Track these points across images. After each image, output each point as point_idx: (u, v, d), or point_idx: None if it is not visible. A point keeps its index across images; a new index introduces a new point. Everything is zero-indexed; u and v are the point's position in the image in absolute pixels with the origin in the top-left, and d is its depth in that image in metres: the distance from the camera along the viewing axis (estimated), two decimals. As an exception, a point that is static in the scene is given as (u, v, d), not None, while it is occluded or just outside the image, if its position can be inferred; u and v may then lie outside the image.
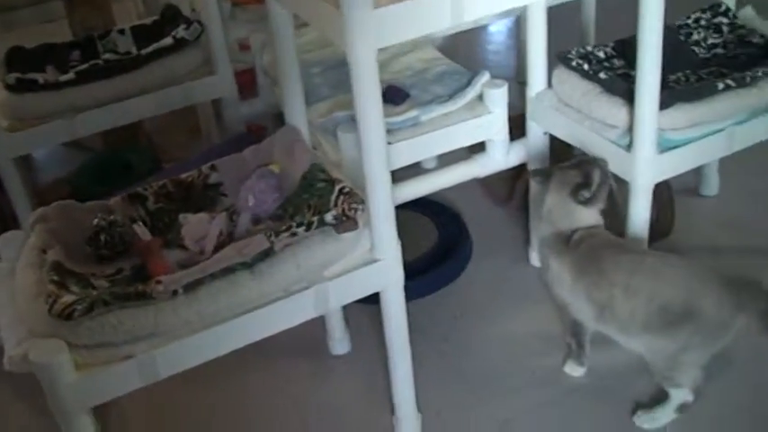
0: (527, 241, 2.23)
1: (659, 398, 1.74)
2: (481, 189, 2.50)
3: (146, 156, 2.66)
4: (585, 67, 1.91)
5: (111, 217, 1.58)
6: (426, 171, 2.15)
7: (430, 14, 1.37)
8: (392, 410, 1.80)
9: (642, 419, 1.74)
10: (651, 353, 1.67)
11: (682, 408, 1.70)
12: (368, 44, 1.34)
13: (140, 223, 1.61)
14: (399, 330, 1.66)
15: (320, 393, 1.95)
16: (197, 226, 1.58)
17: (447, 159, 2.08)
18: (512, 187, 2.38)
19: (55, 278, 1.42)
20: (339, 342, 2.04)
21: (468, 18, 1.39)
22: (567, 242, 1.73)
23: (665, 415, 1.72)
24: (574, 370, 1.87)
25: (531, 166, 2.07)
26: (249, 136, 2.24)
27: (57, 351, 1.33)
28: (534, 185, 1.83)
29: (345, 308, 2.01)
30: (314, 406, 1.91)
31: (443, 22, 1.38)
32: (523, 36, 2.88)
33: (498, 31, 3.66)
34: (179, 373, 1.44)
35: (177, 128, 2.94)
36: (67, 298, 1.36)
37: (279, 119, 2.55)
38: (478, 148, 2.02)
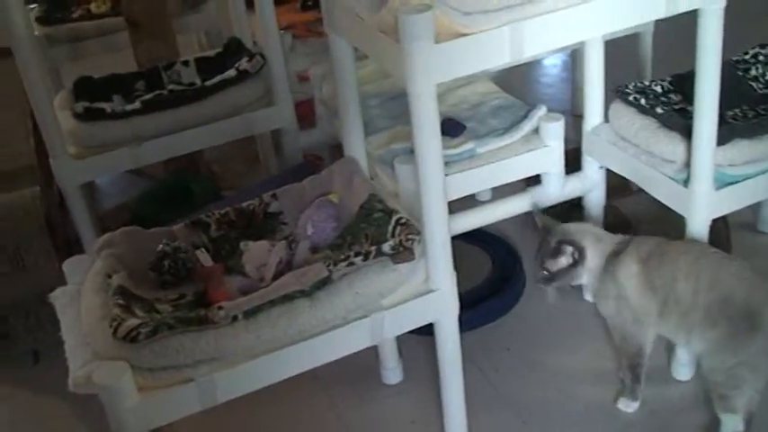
0: (581, 275, 2.23)
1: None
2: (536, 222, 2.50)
3: (206, 184, 2.72)
4: (643, 101, 1.92)
5: (175, 243, 1.62)
6: (481, 203, 2.17)
7: (489, 51, 1.40)
8: (443, 439, 1.81)
9: None
10: (711, 357, 1.65)
11: None
12: (427, 78, 1.37)
13: (203, 250, 1.65)
14: (453, 361, 1.68)
15: (372, 421, 1.96)
16: (258, 253, 1.61)
17: (502, 192, 2.10)
18: (565, 221, 2.37)
19: (120, 302, 1.46)
20: (392, 371, 2.05)
21: (527, 54, 1.41)
22: (618, 253, 1.74)
23: None
24: (627, 406, 1.85)
25: (586, 201, 2.08)
26: (307, 166, 2.28)
27: (120, 373, 1.37)
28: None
29: (399, 337, 2.02)
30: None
31: (502, 58, 1.41)
32: (579, 70, 2.92)
33: (553, 64, 3.67)
34: None
35: (236, 157, 3.00)
36: (132, 321, 1.40)
37: (335, 149, 2.59)
38: (534, 181, 2.04)
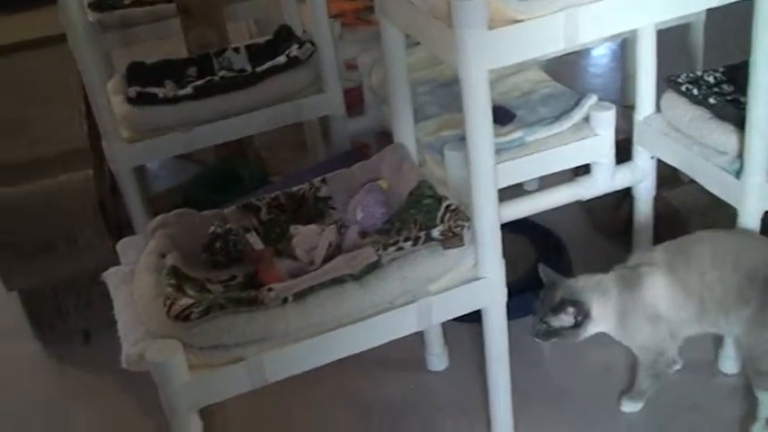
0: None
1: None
2: (583, 213, 2.49)
3: (254, 170, 2.75)
4: (695, 91, 1.90)
5: (227, 225, 1.64)
6: (528, 193, 2.16)
7: (543, 37, 1.39)
8: (488, 428, 1.81)
9: None
10: (748, 335, 1.66)
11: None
12: (480, 65, 1.37)
13: (253, 233, 1.67)
14: (500, 348, 1.68)
15: (416, 407, 1.97)
16: (308, 237, 1.63)
17: (549, 182, 2.09)
18: (615, 211, 2.36)
19: (173, 282, 1.49)
20: (437, 357, 2.06)
21: (582, 41, 1.41)
22: (631, 284, 1.72)
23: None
24: (634, 406, 1.87)
25: (636, 191, 2.07)
26: (355, 153, 2.29)
27: (172, 351, 1.40)
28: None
29: (444, 324, 2.03)
30: (410, 418, 1.94)
31: (556, 45, 1.40)
32: (628, 60, 2.90)
33: (602, 54, 3.64)
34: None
35: (284, 144, 3.02)
36: (185, 301, 1.43)
37: (382, 136, 2.61)
38: (583, 171, 2.02)
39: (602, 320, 1.71)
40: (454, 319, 1.98)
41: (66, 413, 2.10)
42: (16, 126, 2.51)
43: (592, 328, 1.71)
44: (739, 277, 1.64)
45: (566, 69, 3.24)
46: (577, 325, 1.68)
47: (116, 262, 1.72)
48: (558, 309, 1.67)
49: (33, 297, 2.23)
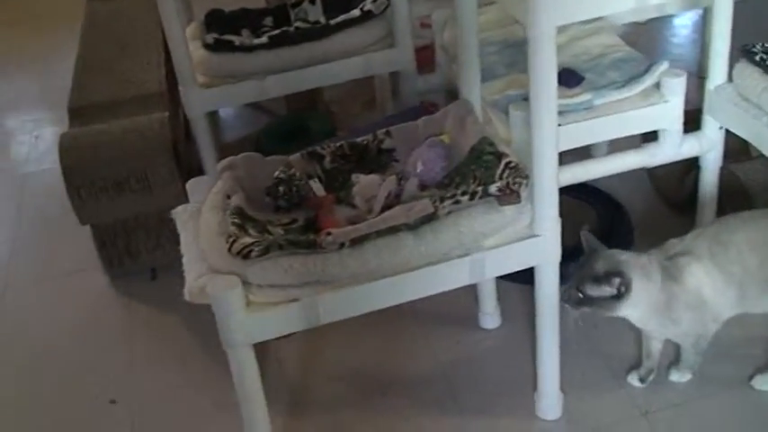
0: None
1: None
2: (649, 182, 2.47)
3: (324, 122, 2.79)
4: (770, 62, 1.86)
5: (291, 171, 1.69)
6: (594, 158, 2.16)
7: (613, -5, 1.39)
8: (535, 387, 1.84)
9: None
10: None
11: None
12: (548, 20, 1.37)
13: (316, 179, 1.71)
14: (551, 307, 1.69)
15: (467, 362, 2.01)
16: (368, 186, 1.66)
17: (617, 150, 2.08)
18: (680, 182, 2.33)
19: (236, 221, 1.54)
20: (490, 316, 2.09)
21: (653, 1, 1.39)
22: (672, 273, 1.69)
23: None
24: (683, 376, 1.86)
25: (702, 162, 2.05)
26: (422, 110, 2.30)
27: (232, 286, 1.45)
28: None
29: (500, 285, 2.06)
30: (460, 373, 1.97)
31: (626, 3, 1.40)
32: (709, 30, 2.83)
33: (683, 24, 3.56)
34: (333, 324, 1.53)
35: (353, 98, 3.06)
36: (246, 239, 1.48)
37: (451, 95, 2.62)
38: (650, 138, 2.01)
39: (638, 303, 1.66)
40: (509, 280, 2.02)
41: (130, 346, 2.19)
42: (98, 68, 2.60)
43: (624, 308, 1.66)
44: None
45: (645, 36, 3.20)
46: (616, 297, 1.64)
47: (186, 203, 1.78)
48: (602, 279, 1.63)
49: (105, 233, 2.32)
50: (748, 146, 2.20)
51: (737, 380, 1.85)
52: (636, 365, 1.88)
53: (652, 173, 2.43)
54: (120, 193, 2.19)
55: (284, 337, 1.68)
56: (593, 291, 1.65)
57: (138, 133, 2.19)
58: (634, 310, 1.69)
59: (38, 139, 3.33)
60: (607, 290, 1.64)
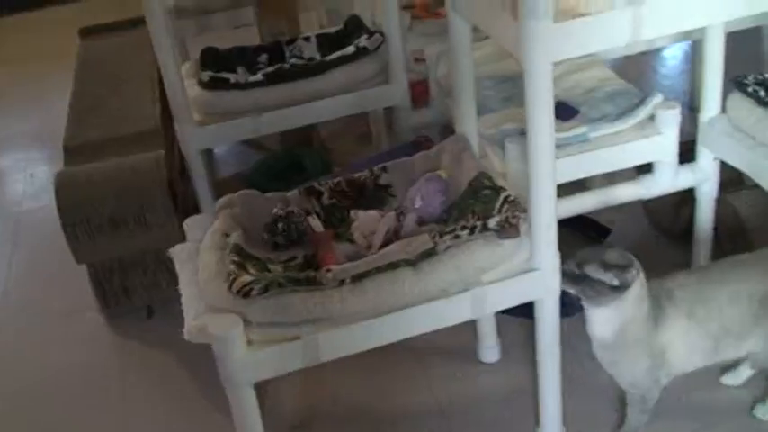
0: (687, 266, 2.20)
1: None
2: (644, 214, 2.48)
3: (318, 159, 2.80)
4: (762, 93, 1.88)
5: (289, 208, 1.69)
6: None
7: (608, 31, 1.40)
8: (536, 422, 1.83)
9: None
10: (764, 342, 1.69)
11: None
12: (544, 57, 1.38)
13: (314, 216, 1.72)
14: (552, 340, 1.69)
15: (466, 396, 2.00)
16: (367, 222, 1.67)
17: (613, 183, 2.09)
18: (676, 213, 2.34)
19: (235, 259, 1.54)
20: (490, 350, 2.08)
21: (647, 36, 1.41)
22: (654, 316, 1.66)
23: None
24: None
25: (697, 192, 2.06)
26: (417, 144, 2.31)
27: (233, 325, 1.45)
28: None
29: (499, 319, 2.05)
30: (459, 408, 1.96)
31: (622, 39, 1.41)
32: (699, 62, 2.86)
33: (673, 55, 3.60)
34: (331, 361, 1.52)
35: (348, 134, 3.08)
36: (246, 278, 1.47)
37: (445, 129, 2.63)
38: (645, 170, 2.02)
39: (618, 314, 1.61)
40: (509, 314, 2.02)
41: (126, 385, 2.17)
42: (92, 105, 2.61)
43: (609, 309, 1.60)
44: (756, 305, 1.65)
45: (634, 69, 3.23)
46: (612, 289, 1.57)
47: (182, 241, 1.78)
48: (610, 267, 1.57)
49: (101, 271, 2.32)
50: (742, 175, 2.22)
51: (739, 409, 1.85)
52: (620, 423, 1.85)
53: (647, 204, 2.44)
54: (117, 231, 2.18)
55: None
56: (595, 273, 1.57)
57: (135, 171, 2.19)
58: (607, 323, 1.62)
59: (32, 177, 3.33)
60: (609, 277, 1.56)
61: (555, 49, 1.39)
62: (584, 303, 1.63)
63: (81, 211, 2.16)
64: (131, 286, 2.35)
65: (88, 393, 2.17)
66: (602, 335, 1.66)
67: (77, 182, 2.19)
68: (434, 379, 2.05)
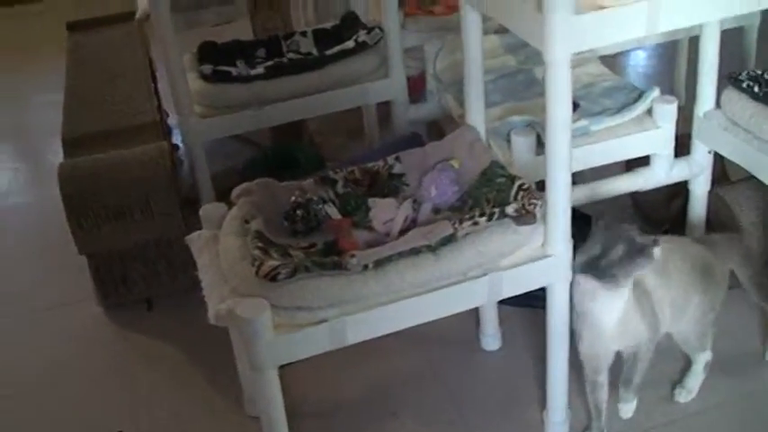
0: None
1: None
2: (632, 206, 2.55)
3: (311, 154, 2.82)
4: (756, 89, 1.95)
5: (307, 195, 1.72)
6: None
7: (626, 24, 1.46)
8: (543, 406, 1.88)
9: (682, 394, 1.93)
10: (694, 322, 1.82)
11: (707, 366, 1.91)
12: (565, 48, 1.43)
13: (330, 204, 1.75)
14: (561, 325, 1.74)
15: (472, 383, 2.04)
16: (386, 209, 1.70)
17: (599, 175, 2.14)
18: (666, 207, 2.42)
19: (259, 245, 1.56)
20: (491, 338, 2.13)
21: (662, 29, 1.47)
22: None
23: (697, 378, 1.92)
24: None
25: (691, 185, 2.13)
26: (416, 138, 2.36)
27: (261, 309, 1.47)
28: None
29: (499, 308, 2.10)
30: (466, 394, 2.01)
31: (637, 32, 1.47)
32: (681, 60, 2.96)
33: (651, 55, 3.70)
34: (335, 350, 1.55)
35: (338, 130, 3.10)
36: (272, 262, 1.50)
37: (433, 126, 2.69)
38: (641, 163, 2.09)
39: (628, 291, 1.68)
40: (509, 303, 2.07)
41: (127, 375, 2.18)
42: (88, 99, 2.60)
43: (623, 291, 1.66)
44: (689, 277, 1.79)
45: (615, 68, 3.30)
46: (629, 257, 1.61)
47: (186, 232, 1.80)
48: (638, 247, 1.62)
49: (101, 262, 2.32)
50: (726, 171, 2.30)
51: (737, 391, 1.93)
52: (586, 428, 1.88)
53: (636, 197, 2.50)
54: (121, 221, 2.19)
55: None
56: (627, 255, 1.62)
57: (139, 162, 2.20)
58: (620, 301, 1.67)
59: (16, 172, 3.30)
60: (640, 258, 1.62)
61: (576, 40, 1.44)
62: (596, 291, 1.66)
63: (86, 202, 2.16)
64: (132, 278, 2.35)
65: (91, 383, 2.17)
66: (609, 317, 1.70)
67: (82, 172, 2.19)
68: (439, 367, 2.10)
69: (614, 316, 1.70)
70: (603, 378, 1.80)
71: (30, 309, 2.48)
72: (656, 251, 1.62)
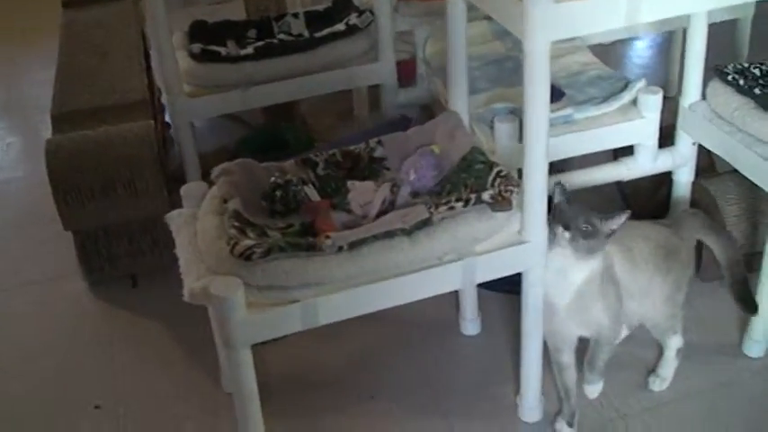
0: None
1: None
2: (619, 197, 2.56)
3: (301, 135, 2.83)
4: (741, 82, 1.96)
5: (287, 177, 1.73)
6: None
7: (606, 12, 1.46)
8: (516, 390, 1.89)
9: (656, 383, 1.94)
10: (661, 303, 1.82)
11: (679, 352, 1.91)
12: (544, 35, 1.44)
13: (310, 185, 1.75)
14: (536, 311, 1.75)
15: (448, 366, 2.06)
16: (364, 192, 1.71)
17: (588, 162, 2.15)
18: (651, 197, 2.42)
19: (236, 224, 1.57)
20: (470, 323, 2.14)
21: (643, 19, 1.47)
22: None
23: (670, 366, 1.93)
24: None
25: (675, 176, 2.13)
26: (404, 121, 2.37)
27: (234, 288, 1.48)
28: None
29: (480, 293, 2.11)
30: (442, 377, 2.02)
31: (617, 21, 1.47)
32: (674, 51, 2.95)
33: (648, 45, 3.69)
34: (314, 330, 1.56)
35: (329, 111, 3.11)
36: (247, 242, 1.51)
37: (424, 109, 2.69)
38: (625, 152, 2.09)
39: (597, 262, 1.69)
40: (490, 289, 2.08)
41: (112, 351, 2.19)
42: (79, 75, 2.61)
43: (593, 261, 1.68)
44: (657, 259, 1.79)
45: (609, 57, 3.30)
46: (609, 235, 1.66)
47: (170, 210, 1.80)
48: (604, 216, 1.66)
49: (86, 239, 2.33)
50: (714, 163, 2.30)
51: (712, 381, 1.95)
52: (558, 411, 1.89)
53: (622, 187, 2.51)
54: (106, 198, 2.19)
55: (272, 341, 1.70)
56: (597, 224, 1.65)
57: (125, 139, 2.21)
58: (587, 271, 1.69)
59: (9, 146, 3.31)
60: (607, 224, 1.66)
61: (555, 28, 1.44)
62: (567, 257, 1.67)
63: (72, 178, 2.17)
64: (116, 254, 2.36)
65: (75, 358, 2.18)
66: (577, 288, 1.71)
67: (68, 148, 2.20)
68: (418, 350, 2.11)
69: (566, 296, 1.71)
70: (568, 359, 1.82)
71: (14, 283, 2.50)
72: (607, 228, 1.65)
